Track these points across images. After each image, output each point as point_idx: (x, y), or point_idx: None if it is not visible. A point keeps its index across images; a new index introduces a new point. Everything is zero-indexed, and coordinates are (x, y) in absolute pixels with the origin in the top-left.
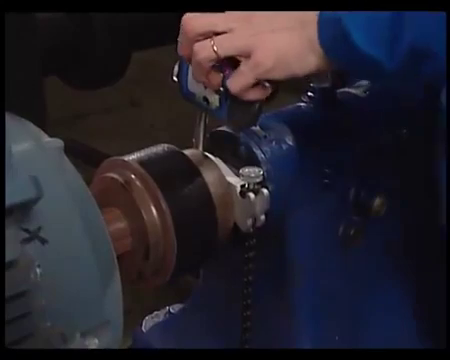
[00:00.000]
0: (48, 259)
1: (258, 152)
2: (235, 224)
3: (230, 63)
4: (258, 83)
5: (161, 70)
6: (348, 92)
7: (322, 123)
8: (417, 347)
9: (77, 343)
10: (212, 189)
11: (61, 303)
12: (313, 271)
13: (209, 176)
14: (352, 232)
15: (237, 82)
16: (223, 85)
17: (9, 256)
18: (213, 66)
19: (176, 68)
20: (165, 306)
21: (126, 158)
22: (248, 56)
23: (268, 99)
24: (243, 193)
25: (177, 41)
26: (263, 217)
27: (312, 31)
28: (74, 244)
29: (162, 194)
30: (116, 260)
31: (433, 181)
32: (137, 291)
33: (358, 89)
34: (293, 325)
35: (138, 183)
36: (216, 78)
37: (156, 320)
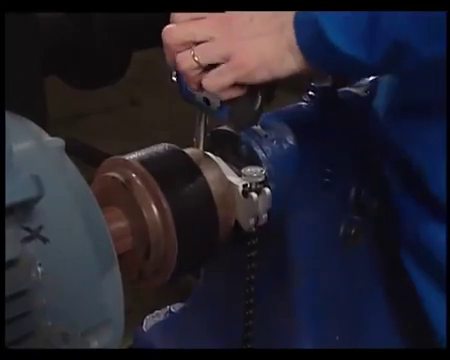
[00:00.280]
0: (49, 258)
1: (259, 151)
2: (236, 223)
3: (215, 67)
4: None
5: (161, 70)
6: (349, 91)
7: (323, 122)
8: (417, 347)
9: (78, 342)
10: (213, 188)
11: (62, 302)
12: (313, 271)
13: (210, 175)
14: (353, 231)
15: (215, 81)
16: None
17: (10, 255)
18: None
19: None
20: (166, 305)
21: (127, 157)
22: (228, 60)
23: (268, 99)
24: (245, 193)
25: None
26: (265, 216)
27: (290, 33)
28: (75, 243)
29: (163, 193)
30: (117, 259)
31: None
32: (138, 290)
33: (359, 88)
34: (293, 324)
35: (139, 182)
36: None
37: (157, 319)
